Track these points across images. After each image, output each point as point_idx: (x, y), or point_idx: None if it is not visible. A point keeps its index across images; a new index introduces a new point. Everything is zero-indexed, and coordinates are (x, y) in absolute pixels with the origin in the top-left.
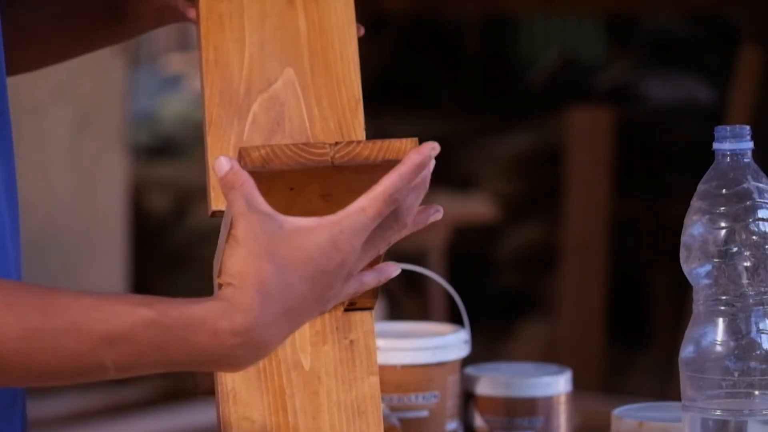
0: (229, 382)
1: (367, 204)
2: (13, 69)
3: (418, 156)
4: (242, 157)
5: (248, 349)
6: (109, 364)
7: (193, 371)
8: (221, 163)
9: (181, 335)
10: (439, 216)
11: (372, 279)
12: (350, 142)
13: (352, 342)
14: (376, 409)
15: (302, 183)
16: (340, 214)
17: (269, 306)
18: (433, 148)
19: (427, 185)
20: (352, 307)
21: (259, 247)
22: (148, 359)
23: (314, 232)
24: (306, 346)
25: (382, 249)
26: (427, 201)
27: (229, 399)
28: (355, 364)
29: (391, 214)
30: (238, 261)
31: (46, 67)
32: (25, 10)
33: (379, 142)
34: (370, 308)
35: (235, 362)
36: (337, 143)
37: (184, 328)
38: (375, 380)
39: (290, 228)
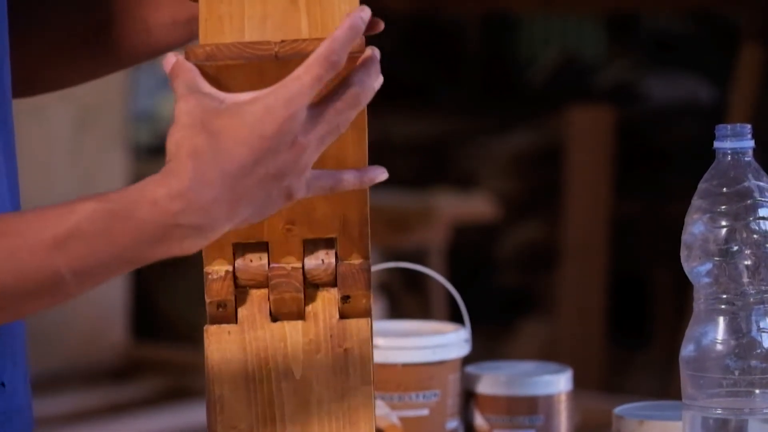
0: (217, 390)
1: (302, 71)
2: (45, 87)
3: (348, 19)
4: (187, 53)
5: (191, 215)
6: (65, 270)
7: (149, 261)
8: (168, 58)
9: (125, 215)
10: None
11: (353, 178)
12: (295, 40)
13: (346, 351)
14: (369, 420)
15: (251, 87)
16: (277, 84)
17: (204, 168)
18: (362, 9)
19: (377, 61)
20: (346, 303)
21: (192, 119)
22: (100, 254)
23: (249, 103)
24: (298, 354)
25: (342, 126)
26: (427, 200)
27: (216, 408)
28: (349, 374)
29: (342, 87)
30: (173, 135)
31: (79, 84)
32: (51, 28)
33: (323, 39)
34: (366, 315)
35: (183, 234)
36: (282, 41)
37: (126, 207)
38: (368, 390)
39: (230, 102)
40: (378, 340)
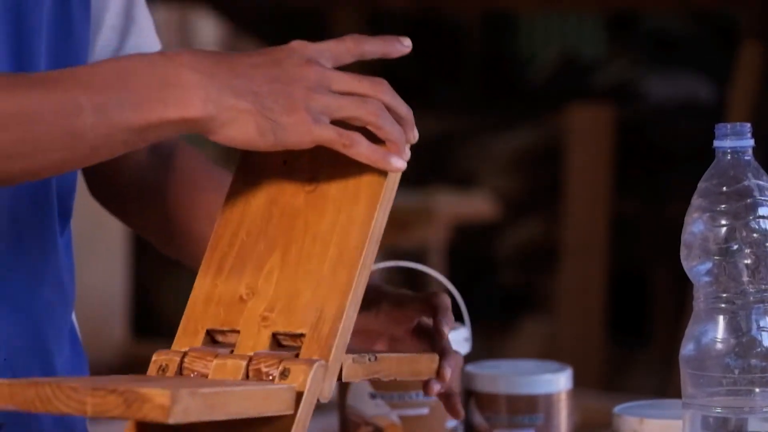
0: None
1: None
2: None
3: (389, 39)
4: None
5: (196, 63)
6: (84, 101)
7: (159, 114)
8: None
9: (139, 57)
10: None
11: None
12: None
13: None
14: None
15: (295, 153)
16: None
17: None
18: (404, 40)
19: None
20: (283, 378)
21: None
22: (115, 89)
23: None
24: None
25: (351, 104)
26: (427, 199)
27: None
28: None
29: (375, 83)
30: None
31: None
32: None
33: None
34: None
35: (188, 80)
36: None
37: (140, 54)
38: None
39: None
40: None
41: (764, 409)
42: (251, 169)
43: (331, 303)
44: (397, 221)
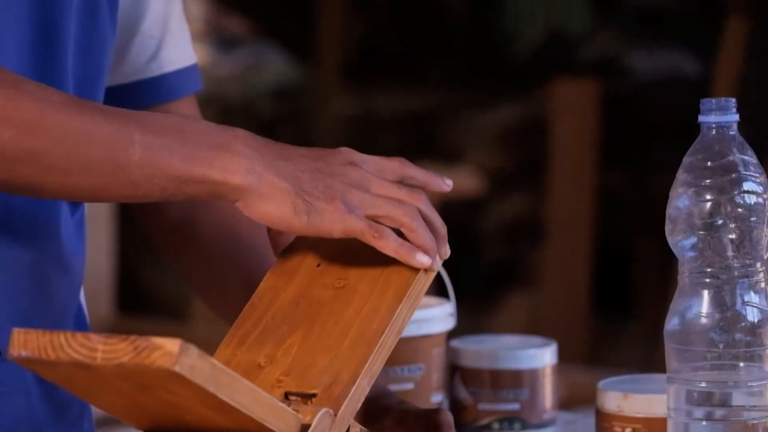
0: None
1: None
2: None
3: (434, 175)
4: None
5: (248, 140)
6: (137, 137)
7: (201, 172)
8: None
9: (194, 121)
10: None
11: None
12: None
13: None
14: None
15: (330, 256)
16: None
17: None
18: (446, 180)
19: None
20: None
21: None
22: (169, 138)
23: None
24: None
25: (393, 208)
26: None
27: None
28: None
29: (414, 192)
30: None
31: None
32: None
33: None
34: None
35: (237, 150)
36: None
37: (201, 121)
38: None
39: None
40: None
41: (748, 384)
42: (285, 269)
43: (346, 371)
44: None
